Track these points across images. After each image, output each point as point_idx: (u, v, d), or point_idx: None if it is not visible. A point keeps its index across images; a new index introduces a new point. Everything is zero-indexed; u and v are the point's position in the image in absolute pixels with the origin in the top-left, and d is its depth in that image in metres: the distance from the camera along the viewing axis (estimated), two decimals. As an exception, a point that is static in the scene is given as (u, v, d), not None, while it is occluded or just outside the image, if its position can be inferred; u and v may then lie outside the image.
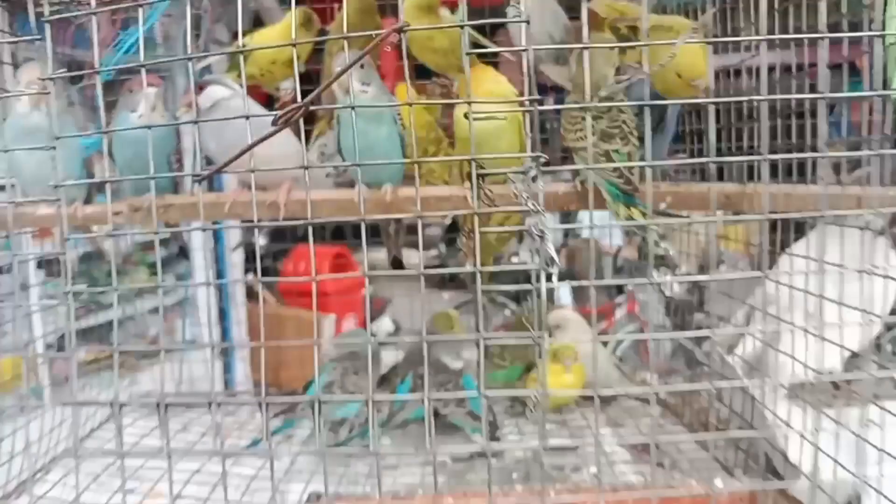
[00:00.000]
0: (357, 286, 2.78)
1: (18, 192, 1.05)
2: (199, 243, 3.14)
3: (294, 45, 0.84)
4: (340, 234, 3.31)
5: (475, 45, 1.39)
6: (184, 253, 3.22)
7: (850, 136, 1.59)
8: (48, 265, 2.75)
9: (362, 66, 1.02)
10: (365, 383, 1.39)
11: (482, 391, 0.84)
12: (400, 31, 0.81)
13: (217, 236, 3.38)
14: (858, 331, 1.26)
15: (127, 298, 3.22)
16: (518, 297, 2.56)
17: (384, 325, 2.86)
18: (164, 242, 3.45)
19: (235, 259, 3.42)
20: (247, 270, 2.99)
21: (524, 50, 0.80)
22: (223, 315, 3.12)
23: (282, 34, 1.33)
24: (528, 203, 0.78)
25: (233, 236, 3.24)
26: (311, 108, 0.78)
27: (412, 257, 1.83)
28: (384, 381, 1.56)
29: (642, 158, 0.98)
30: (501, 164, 0.86)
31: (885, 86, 1.21)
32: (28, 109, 1.01)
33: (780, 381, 1.13)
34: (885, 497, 0.90)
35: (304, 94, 0.80)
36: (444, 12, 1.37)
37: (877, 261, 1.31)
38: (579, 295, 2.58)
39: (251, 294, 2.94)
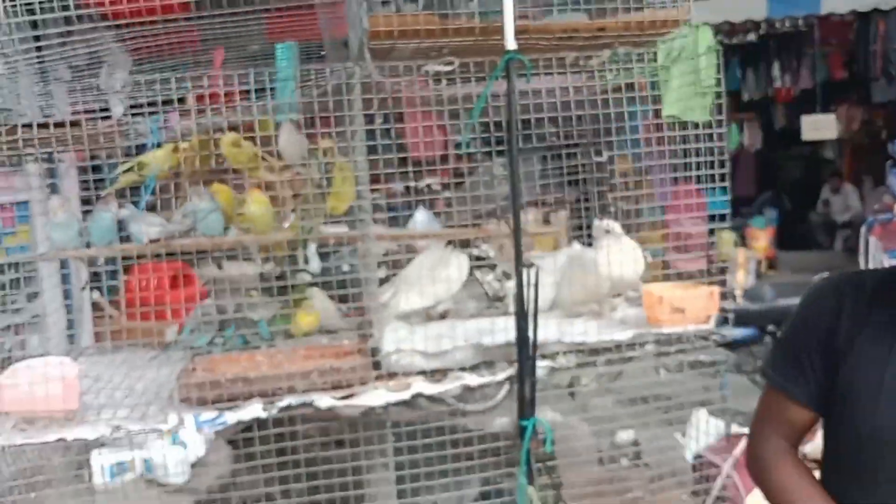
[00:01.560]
0: (195, 298, 3.38)
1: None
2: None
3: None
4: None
5: (257, 156, 3.14)
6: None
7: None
8: None
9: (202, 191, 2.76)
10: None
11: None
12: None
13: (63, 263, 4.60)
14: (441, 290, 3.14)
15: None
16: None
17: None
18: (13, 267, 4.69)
19: (82, 278, 4.64)
20: (91, 288, 3.68)
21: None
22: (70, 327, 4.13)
23: (166, 155, 3.01)
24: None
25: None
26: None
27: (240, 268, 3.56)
28: (221, 329, 3.26)
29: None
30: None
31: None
32: (58, 216, 2.67)
33: (394, 312, 2.96)
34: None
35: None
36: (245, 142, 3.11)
37: (450, 263, 3.19)
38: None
39: (96, 309, 3.63)
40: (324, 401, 2.41)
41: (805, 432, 1.59)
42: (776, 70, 10.08)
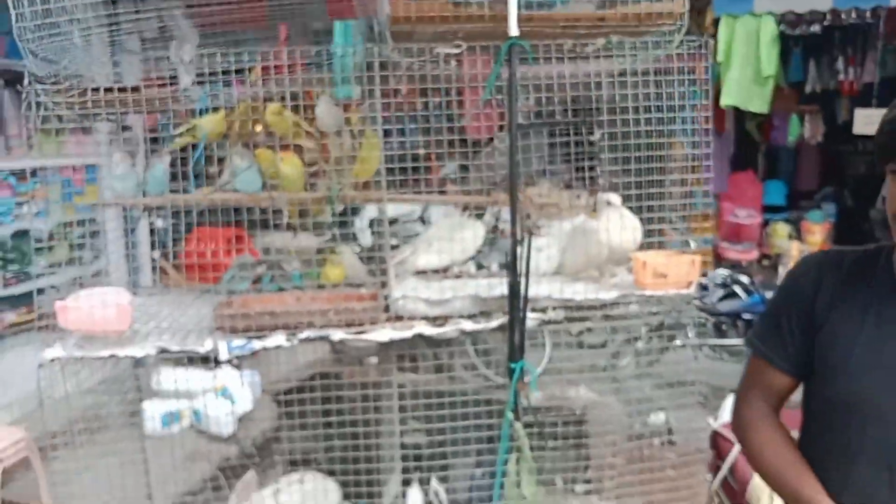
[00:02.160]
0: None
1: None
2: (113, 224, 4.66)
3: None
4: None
5: (297, 124, 3.56)
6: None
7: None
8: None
9: (244, 151, 3.20)
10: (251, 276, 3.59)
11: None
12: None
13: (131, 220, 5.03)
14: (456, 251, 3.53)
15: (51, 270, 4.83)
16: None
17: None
18: (81, 223, 4.77)
19: (143, 239, 5.14)
20: (153, 249, 4.07)
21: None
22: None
23: (217, 119, 3.45)
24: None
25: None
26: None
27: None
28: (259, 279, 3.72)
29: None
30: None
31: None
32: (119, 168, 3.14)
33: (411, 269, 3.37)
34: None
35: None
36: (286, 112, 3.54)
37: (466, 228, 3.58)
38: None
39: (160, 271, 3.99)
40: (337, 335, 2.84)
41: (785, 397, 1.77)
42: (840, 63, 10.08)
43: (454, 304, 2.96)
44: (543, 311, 2.96)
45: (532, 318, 2.89)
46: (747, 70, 8.29)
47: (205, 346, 2.82)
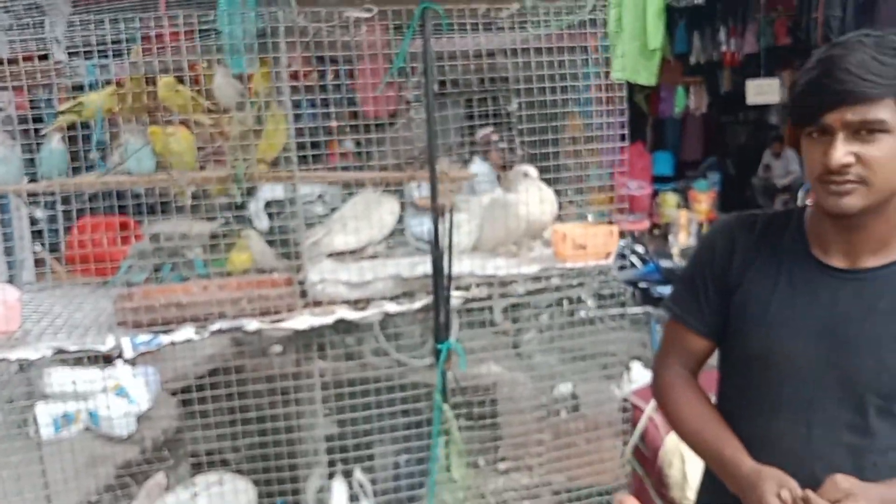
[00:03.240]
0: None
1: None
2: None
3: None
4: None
5: (194, 99, 3.33)
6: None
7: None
8: None
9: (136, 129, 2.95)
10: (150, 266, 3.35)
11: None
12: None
13: (4, 209, 4.70)
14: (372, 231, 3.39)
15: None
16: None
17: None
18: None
19: (23, 231, 4.76)
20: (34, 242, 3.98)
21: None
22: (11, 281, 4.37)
23: (106, 95, 3.18)
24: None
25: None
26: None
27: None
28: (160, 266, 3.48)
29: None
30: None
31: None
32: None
33: (326, 251, 3.20)
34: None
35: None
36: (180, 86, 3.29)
37: (383, 204, 3.43)
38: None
39: (39, 263, 3.80)
40: (252, 325, 2.65)
41: (703, 360, 1.79)
42: (722, 34, 10.38)
43: (376, 285, 2.82)
44: (467, 288, 2.86)
45: (456, 297, 2.79)
46: (635, 43, 8.38)
47: (106, 344, 2.59)
